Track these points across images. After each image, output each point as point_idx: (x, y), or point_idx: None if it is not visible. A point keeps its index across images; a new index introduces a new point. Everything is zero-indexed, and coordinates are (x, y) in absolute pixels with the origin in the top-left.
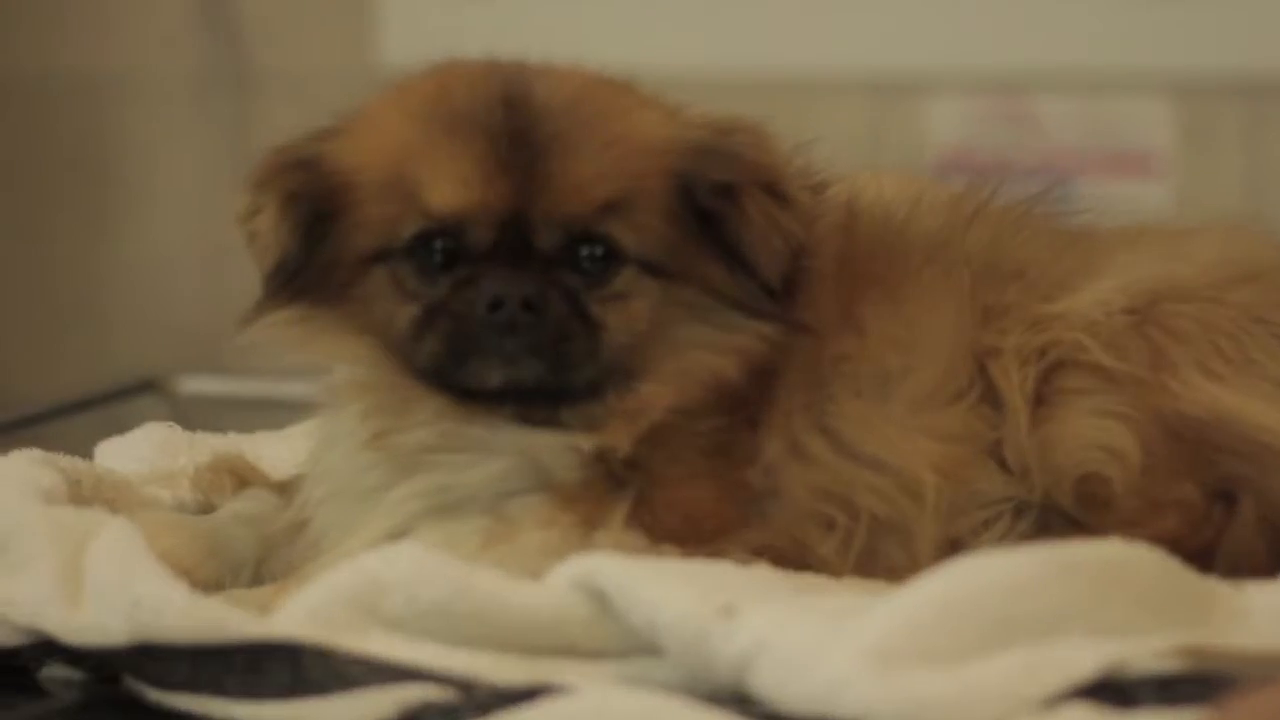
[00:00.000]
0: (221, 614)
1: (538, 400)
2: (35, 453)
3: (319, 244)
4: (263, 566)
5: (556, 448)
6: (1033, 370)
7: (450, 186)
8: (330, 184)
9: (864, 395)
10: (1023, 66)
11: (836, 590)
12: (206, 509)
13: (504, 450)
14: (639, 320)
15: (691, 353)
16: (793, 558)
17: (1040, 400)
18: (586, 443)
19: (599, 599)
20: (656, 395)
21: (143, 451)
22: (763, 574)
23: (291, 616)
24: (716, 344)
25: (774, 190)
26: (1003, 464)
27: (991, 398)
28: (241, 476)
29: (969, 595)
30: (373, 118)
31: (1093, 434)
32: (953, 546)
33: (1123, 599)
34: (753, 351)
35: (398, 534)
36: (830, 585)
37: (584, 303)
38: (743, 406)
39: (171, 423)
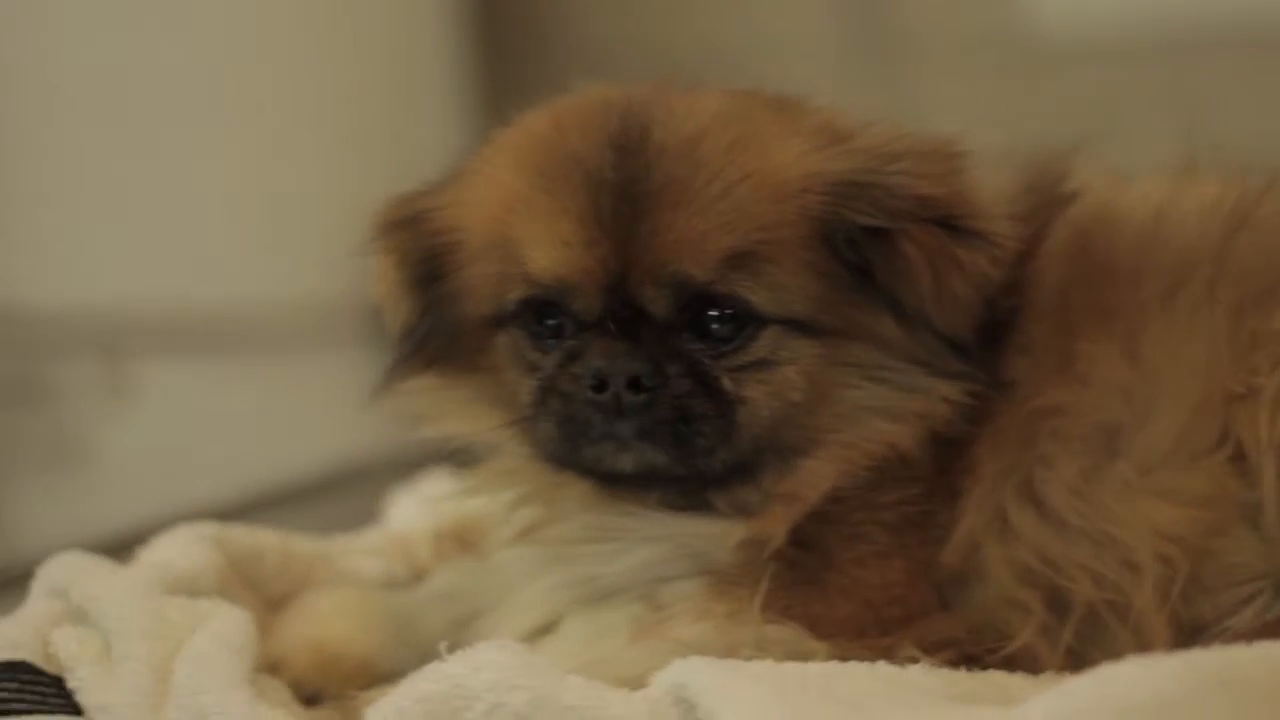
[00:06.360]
0: None
1: (683, 485)
2: (205, 528)
3: (438, 307)
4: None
5: (710, 533)
6: None
7: (550, 249)
8: (436, 243)
9: (1081, 455)
10: None
11: (1009, 695)
12: (420, 579)
13: (654, 537)
14: (790, 389)
15: (866, 420)
16: (988, 647)
17: None
18: (736, 532)
19: (691, 713)
20: (816, 474)
21: (422, 506)
22: (913, 680)
23: None
24: (894, 409)
25: (953, 225)
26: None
27: None
28: (468, 543)
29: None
30: (480, 167)
31: None
32: (1196, 631)
33: None
34: (934, 416)
35: (547, 624)
36: (1012, 686)
37: (714, 375)
38: (940, 474)
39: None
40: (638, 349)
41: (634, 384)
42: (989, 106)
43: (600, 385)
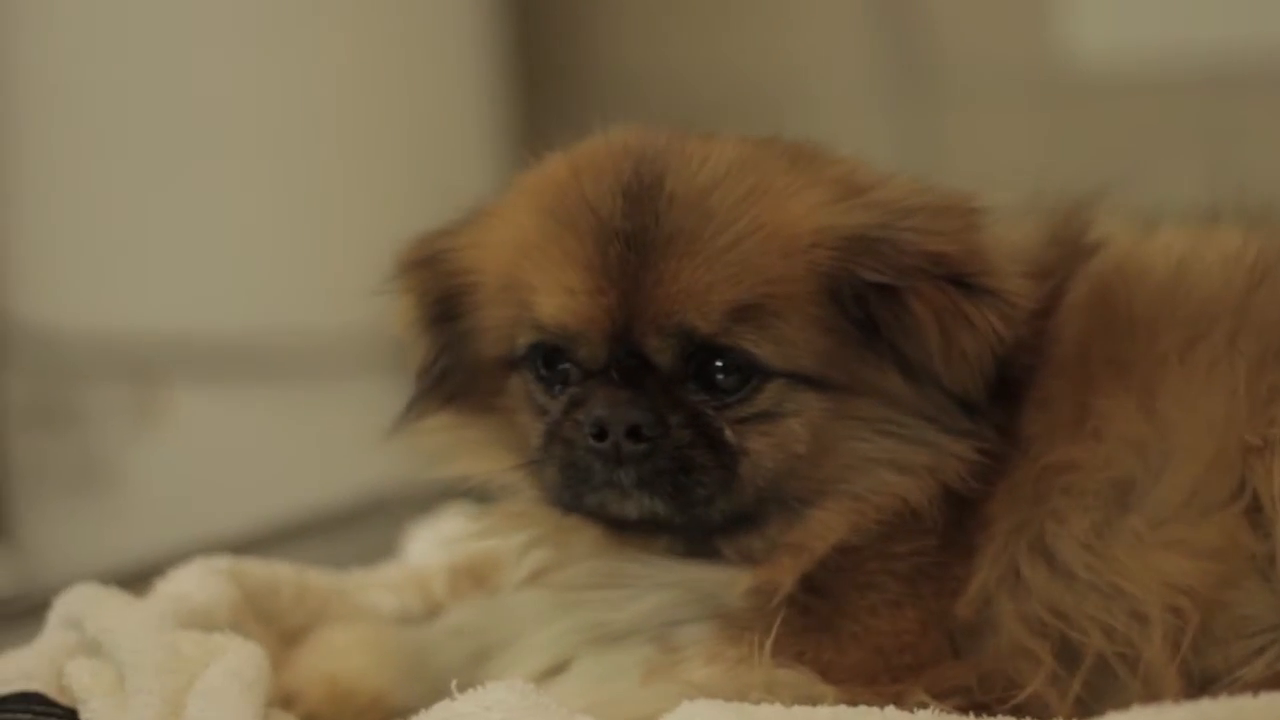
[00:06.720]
0: None
1: (687, 533)
2: (221, 561)
3: (454, 347)
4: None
5: (719, 580)
6: None
7: (556, 297)
8: (453, 284)
9: (1093, 510)
10: None
11: None
12: (435, 615)
13: (664, 583)
14: (794, 441)
15: (873, 472)
16: (998, 696)
17: None
18: (744, 580)
19: None
20: (824, 524)
21: (441, 542)
22: None
23: None
24: (902, 462)
25: (965, 282)
26: None
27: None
28: (483, 580)
29: None
30: (498, 209)
31: None
32: (1207, 682)
33: None
34: (945, 470)
35: (558, 665)
36: None
37: (716, 426)
38: (955, 528)
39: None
40: (640, 398)
41: (634, 433)
42: (1024, 139)
43: (601, 433)
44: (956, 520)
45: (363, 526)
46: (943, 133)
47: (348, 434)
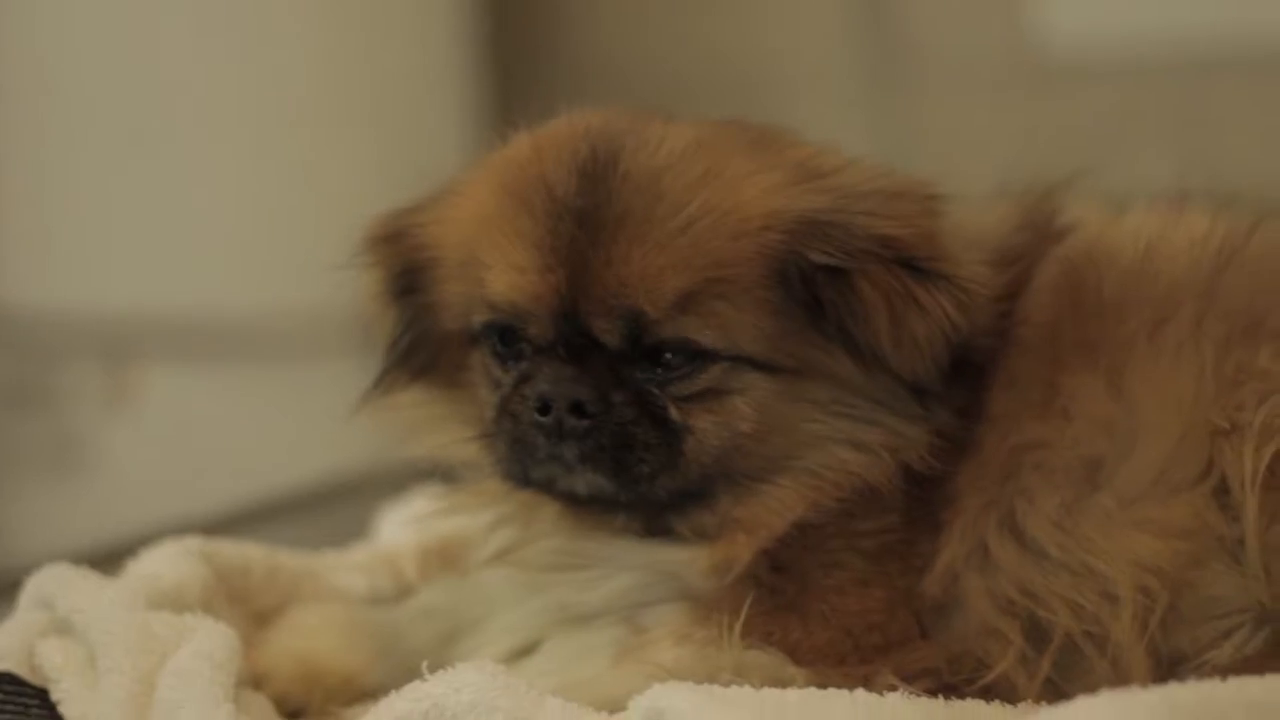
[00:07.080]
0: None
1: (639, 509)
2: (192, 542)
3: (418, 322)
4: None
5: (682, 559)
6: (1269, 451)
7: (506, 274)
8: (416, 259)
9: (1063, 488)
10: None
11: None
12: (405, 595)
13: (631, 565)
14: (739, 419)
15: (828, 449)
16: (967, 677)
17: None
18: (701, 558)
19: None
20: (781, 501)
21: (412, 522)
22: (891, 708)
23: None
24: (857, 439)
25: (915, 266)
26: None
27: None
28: (453, 560)
29: None
30: (462, 186)
31: None
32: (1174, 664)
33: None
34: (901, 450)
35: (528, 646)
36: (989, 716)
37: (661, 404)
38: (920, 505)
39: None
40: (584, 375)
41: (577, 409)
42: (997, 125)
43: (545, 408)
44: (922, 497)
45: (334, 507)
46: (917, 118)
47: (320, 415)
